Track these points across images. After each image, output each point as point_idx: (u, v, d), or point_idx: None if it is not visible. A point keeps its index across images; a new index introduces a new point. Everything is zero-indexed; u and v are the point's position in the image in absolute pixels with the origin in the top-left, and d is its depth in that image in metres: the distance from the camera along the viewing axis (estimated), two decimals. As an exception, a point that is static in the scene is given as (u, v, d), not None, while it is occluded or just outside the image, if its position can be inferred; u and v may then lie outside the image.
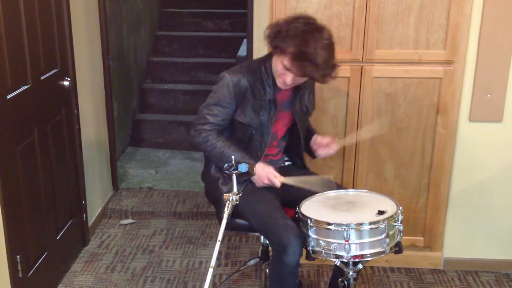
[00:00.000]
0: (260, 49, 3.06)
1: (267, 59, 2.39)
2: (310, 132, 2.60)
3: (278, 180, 2.32)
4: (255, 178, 2.35)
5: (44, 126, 2.85)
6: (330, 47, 2.23)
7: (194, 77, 5.67)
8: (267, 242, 2.54)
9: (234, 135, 2.43)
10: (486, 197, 3.10)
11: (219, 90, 2.38)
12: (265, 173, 2.33)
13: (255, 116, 2.37)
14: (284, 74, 2.27)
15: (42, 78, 2.80)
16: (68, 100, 3.13)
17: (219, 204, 2.46)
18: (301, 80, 2.30)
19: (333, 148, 2.48)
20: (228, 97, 2.36)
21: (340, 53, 2.71)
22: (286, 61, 2.21)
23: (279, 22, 2.28)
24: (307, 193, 2.33)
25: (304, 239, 2.18)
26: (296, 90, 2.44)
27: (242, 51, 4.51)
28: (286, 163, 2.67)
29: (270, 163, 2.44)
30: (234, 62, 3.84)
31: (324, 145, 2.49)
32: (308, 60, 2.17)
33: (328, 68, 2.23)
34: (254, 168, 2.23)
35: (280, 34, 2.22)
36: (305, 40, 2.16)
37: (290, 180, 2.33)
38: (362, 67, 2.86)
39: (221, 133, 2.41)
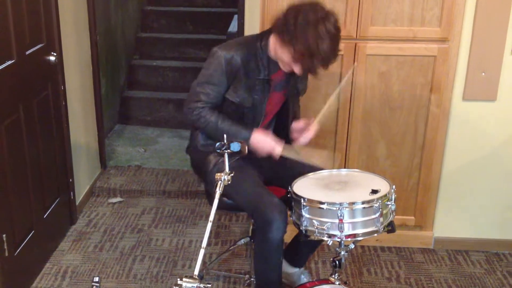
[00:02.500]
0: (252, 25, 2.99)
1: (264, 37, 2.31)
2: (294, 118, 2.53)
3: (278, 151, 2.29)
4: (257, 148, 2.31)
5: (30, 103, 2.78)
6: (336, 37, 2.17)
7: (183, 54, 5.58)
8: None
9: (226, 112, 2.37)
10: (478, 177, 3.09)
11: (211, 67, 2.30)
12: (268, 144, 2.29)
13: (248, 96, 2.31)
14: (292, 63, 2.22)
15: (27, 53, 2.73)
16: (54, 76, 3.05)
17: (206, 180, 2.45)
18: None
19: (312, 130, 2.40)
20: (220, 74, 2.28)
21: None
22: (296, 54, 2.16)
23: (286, 14, 2.19)
24: (294, 172, 2.30)
25: (292, 218, 2.18)
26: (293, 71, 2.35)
27: (233, 27, 4.42)
28: None
29: None
30: (225, 39, 3.77)
31: (303, 128, 2.41)
32: (316, 57, 2.14)
33: (333, 57, 2.20)
34: (246, 147, 2.18)
35: (287, 28, 2.15)
36: (313, 35, 2.10)
37: (289, 154, 2.29)
38: (356, 44, 2.81)
39: (214, 109, 2.34)
